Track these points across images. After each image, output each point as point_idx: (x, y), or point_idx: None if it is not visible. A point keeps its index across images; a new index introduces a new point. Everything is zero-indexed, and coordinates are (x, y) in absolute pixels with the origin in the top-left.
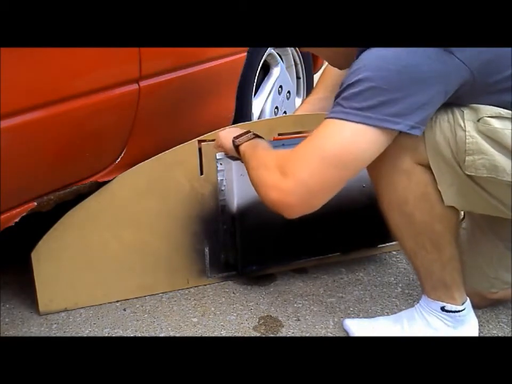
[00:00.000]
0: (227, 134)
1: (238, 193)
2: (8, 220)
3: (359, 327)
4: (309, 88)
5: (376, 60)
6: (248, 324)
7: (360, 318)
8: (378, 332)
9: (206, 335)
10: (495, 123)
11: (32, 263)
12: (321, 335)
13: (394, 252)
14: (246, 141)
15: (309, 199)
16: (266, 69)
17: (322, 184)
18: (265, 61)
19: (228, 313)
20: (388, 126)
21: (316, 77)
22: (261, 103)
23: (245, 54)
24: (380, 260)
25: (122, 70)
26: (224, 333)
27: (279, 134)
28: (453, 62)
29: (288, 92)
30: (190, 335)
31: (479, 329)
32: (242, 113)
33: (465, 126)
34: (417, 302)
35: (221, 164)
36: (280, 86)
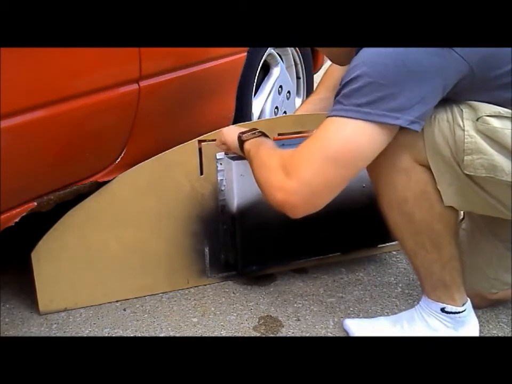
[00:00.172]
0: (231, 131)
1: (238, 193)
2: (8, 220)
3: (359, 327)
4: (309, 88)
5: (374, 55)
6: (248, 323)
7: (360, 318)
8: (378, 332)
9: (206, 335)
10: (495, 122)
11: (32, 263)
12: (321, 335)
13: (394, 252)
14: (252, 138)
15: (313, 198)
16: (266, 69)
17: (325, 183)
18: (265, 61)
19: (228, 313)
20: (388, 121)
21: (316, 77)
22: (261, 103)
23: (245, 54)
24: (380, 260)
25: (122, 70)
26: (224, 333)
27: (279, 134)
28: (451, 56)
29: (288, 91)
30: (190, 335)
31: (479, 329)
32: (242, 113)
33: (464, 126)
34: (417, 303)
35: (221, 164)
36: (280, 86)
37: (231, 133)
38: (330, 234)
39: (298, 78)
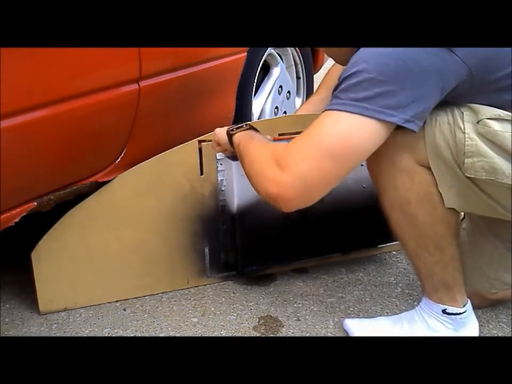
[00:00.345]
0: (222, 130)
1: (238, 193)
2: (8, 220)
3: (359, 327)
4: (309, 88)
5: (374, 53)
6: (248, 323)
7: (360, 318)
8: (378, 332)
9: (206, 335)
10: (495, 125)
11: (32, 263)
12: (321, 335)
13: (394, 252)
14: (240, 131)
15: (308, 192)
16: (266, 69)
17: (320, 177)
18: (265, 61)
19: (228, 313)
20: (383, 118)
21: (316, 77)
22: (261, 103)
23: (245, 54)
24: (380, 260)
25: (122, 70)
26: (224, 333)
27: (279, 134)
28: (451, 58)
29: (288, 91)
30: (190, 335)
31: (479, 329)
32: (242, 113)
33: (464, 128)
34: (417, 303)
35: (221, 164)
36: (280, 86)
37: (222, 131)
38: (330, 234)
39: (298, 78)
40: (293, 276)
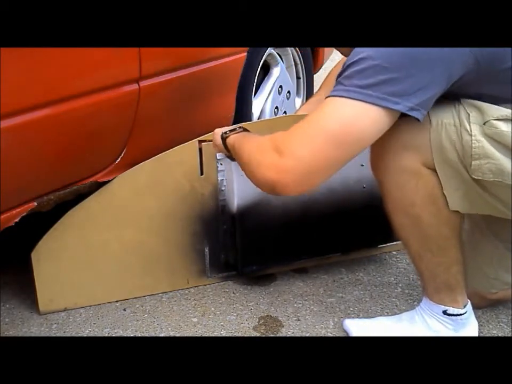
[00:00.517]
0: (220, 132)
1: (238, 193)
2: (8, 220)
3: (359, 327)
4: (309, 88)
5: None
6: (248, 323)
7: (360, 318)
8: (378, 332)
9: (206, 335)
10: (502, 126)
11: (32, 263)
12: (321, 335)
13: (394, 252)
14: (234, 134)
15: (307, 177)
16: (266, 69)
17: (320, 162)
18: (265, 61)
19: (228, 313)
20: (387, 105)
21: (316, 77)
22: (261, 103)
23: (245, 54)
24: (380, 260)
25: (122, 70)
26: (224, 333)
27: None
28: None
29: (288, 92)
30: (190, 335)
31: (479, 329)
32: (242, 113)
33: (471, 130)
34: (418, 303)
35: (221, 164)
36: (280, 86)
37: (220, 132)
38: (330, 234)
39: (298, 78)
40: (293, 275)
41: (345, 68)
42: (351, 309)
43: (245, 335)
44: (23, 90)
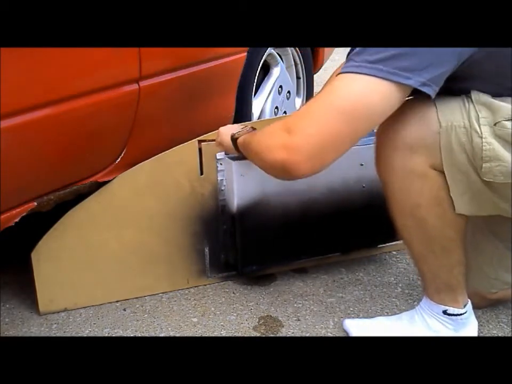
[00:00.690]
0: (227, 131)
1: (238, 193)
2: (8, 220)
3: (359, 327)
4: (309, 88)
5: None
6: (248, 323)
7: (360, 318)
8: (378, 332)
9: (206, 335)
10: None
11: (32, 263)
12: (321, 335)
13: (394, 252)
14: (245, 134)
15: (319, 153)
16: (266, 69)
17: (331, 139)
18: (265, 61)
19: (228, 313)
20: (398, 80)
21: (316, 77)
22: (261, 103)
23: (245, 54)
24: (380, 260)
25: (122, 70)
26: (224, 333)
27: None
28: None
29: (288, 92)
30: (190, 335)
31: (479, 329)
32: (242, 113)
33: (481, 132)
34: (418, 303)
35: (221, 164)
36: (280, 86)
37: (227, 132)
38: (330, 234)
39: (298, 78)
40: (293, 275)
41: None
42: (351, 309)
43: (245, 335)
44: (23, 90)
